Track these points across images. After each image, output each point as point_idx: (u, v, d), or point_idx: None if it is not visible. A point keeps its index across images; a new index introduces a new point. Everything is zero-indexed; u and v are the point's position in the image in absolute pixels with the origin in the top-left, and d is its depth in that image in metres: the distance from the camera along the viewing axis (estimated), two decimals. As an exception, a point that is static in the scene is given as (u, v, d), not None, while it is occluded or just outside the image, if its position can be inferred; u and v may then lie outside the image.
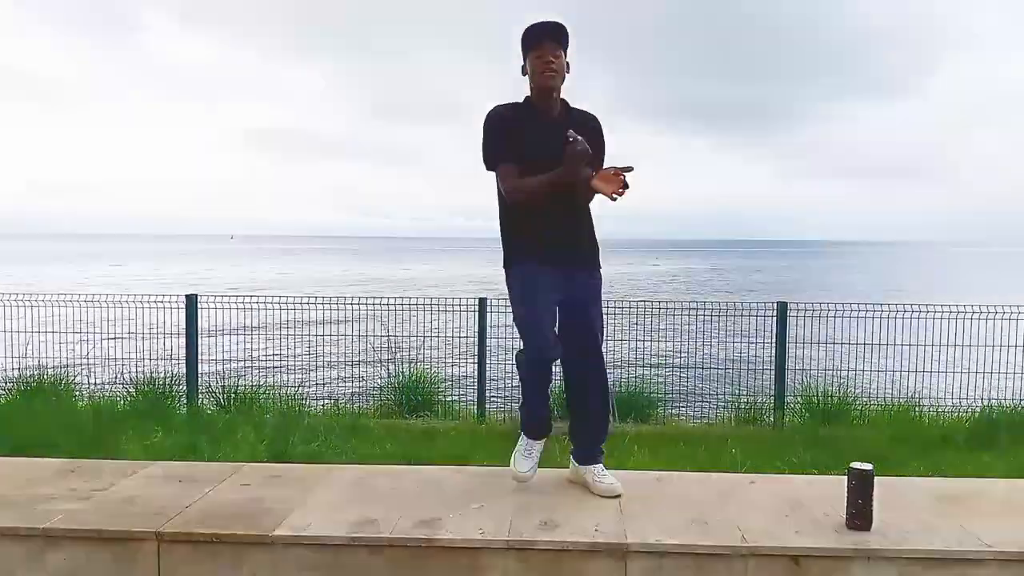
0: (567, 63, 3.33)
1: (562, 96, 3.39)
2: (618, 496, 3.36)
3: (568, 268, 3.39)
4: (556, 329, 3.40)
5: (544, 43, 3.26)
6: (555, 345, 3.36)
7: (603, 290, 3.61)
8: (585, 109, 3.47)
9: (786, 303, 6.57)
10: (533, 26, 3.28)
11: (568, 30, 3.30)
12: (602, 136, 3.45)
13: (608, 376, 3.57)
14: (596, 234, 3.53)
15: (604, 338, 3.60)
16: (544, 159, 3.26)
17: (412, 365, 6.94)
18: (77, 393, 6.69)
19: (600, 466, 3.51)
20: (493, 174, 3.39)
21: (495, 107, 3.40)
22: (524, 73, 3.34)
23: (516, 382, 3.65)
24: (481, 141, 3.37)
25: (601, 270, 3.55)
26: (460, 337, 6.82)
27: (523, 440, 3.58)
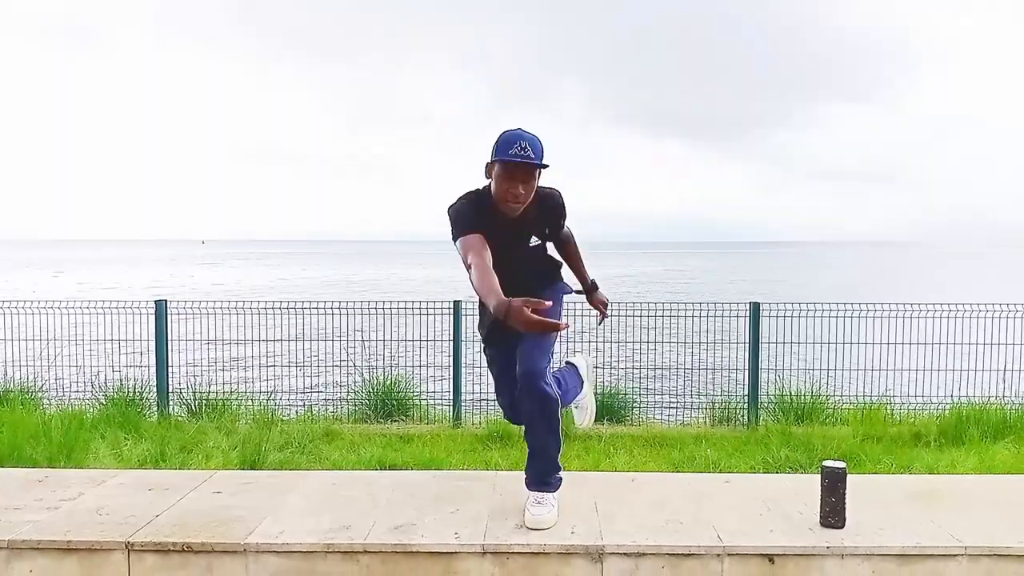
0: (541, 171, 3.12)
1: None
2: (540, 531, 3.07)
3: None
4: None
5: (517, 171, 3.03)
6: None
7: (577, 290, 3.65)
8: (546, 188, 3.25)
9: (759, 303, 6.61)
10: (514, 147, 3.01)
11: (543, 149, 3.07)
12: (559, 208, 3.31)
13: (557, 399, 3.22)
14: (555, 269, 3.51)
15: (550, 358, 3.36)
16: (495, 251, 3.10)
17: (387, 369, 6.90)
18: (46, 402, 6.58)
19: (536, 494, 3.24)
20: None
21: (459, 198, 3.20)
22: (487, 176, 3.14)
23: (488, 382, 3.65)
24: (451, 223, 3.16)
25: (561, 290, 3.50)
26: (436, 340, 6.79)
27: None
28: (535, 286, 3.34)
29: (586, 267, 3.68)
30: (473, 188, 3.26)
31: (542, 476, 3.26)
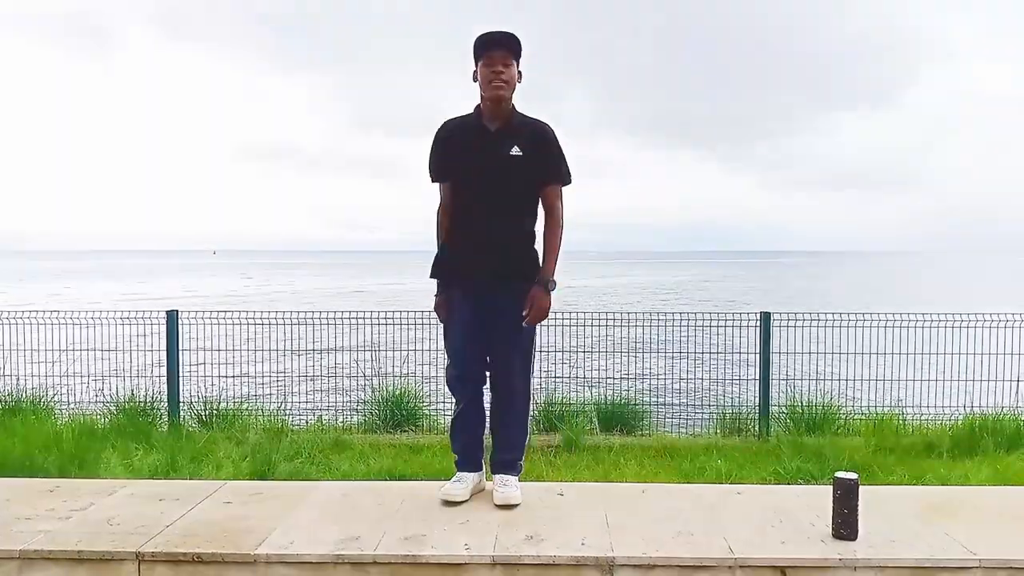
0: (519, 72, 3.39)
1: (514, 105, 3.42)
2: (512, 507, 3.38)
3: (490, 291, 3.41)
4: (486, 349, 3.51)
5: (494, 53, 3.30)
6: (477, 368, 3.52)
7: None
8: (537, 118, 3.47)
9: (769, 313, 6.58)
10: (484, 35, 3.32)
11: (520, 40, 3.34)
12: (549, 142, 3.44)
13: (528, 395, 3.56)
14: (533, 249, 3.49)
15: (533, 355, 3.58)
16: (469, 167, 3.39)
17: (397, 379, 6.89)
18: (57, 412, 6.61)
19: (504, 476, 3.51)
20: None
21: (445, 121, 3.50)
22: (475, 80, 3.38)
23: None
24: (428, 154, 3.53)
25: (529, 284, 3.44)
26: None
27: (457, 471, 3.63)
28: (507, 279, 3.39)
29: (554, 264, 3.41)
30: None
31: (512, 462, 3.55)
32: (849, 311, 6.77)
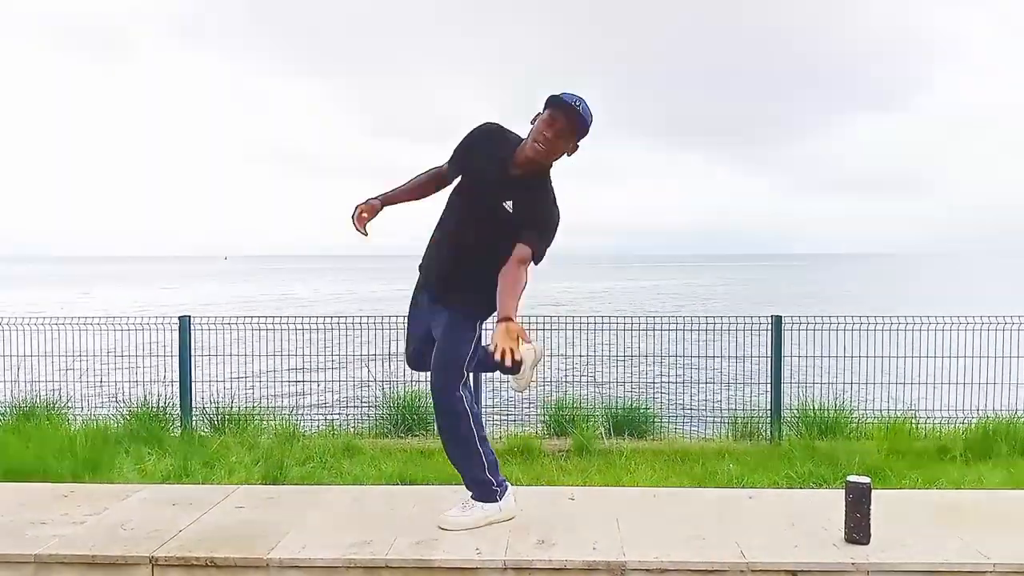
0: (576, 145, 3.14)
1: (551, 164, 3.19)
2: (445, 529, 3.17)
3: (434, 302, 3.34)
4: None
5: (562, 119, 3.04)
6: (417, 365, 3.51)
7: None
8: (549, 186, 3.21)
9: (781, 317, 6.56)
10: (568, 104, 3.04)
11: (589, 129, 3.09)
12: (536, 201, 3.15)
13: (456, 421, 3.21)
14: (486, 285, 3.13)
15: (461, 371, 3.26)
16: (470, 185, 3.26)
17: (407, 384, 6.90)
18: (71, 417, 6.65)
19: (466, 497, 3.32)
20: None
21: (493, 123, 3.32)
22: (532, 122, 3.14)
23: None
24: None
25: (469, 316, 3.26)
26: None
27: None
28: (449, 297, 3.28)
29: (513, 303, 2.99)
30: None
31: (468, 485, 3.32)
32: (861, 314, 6.74)
